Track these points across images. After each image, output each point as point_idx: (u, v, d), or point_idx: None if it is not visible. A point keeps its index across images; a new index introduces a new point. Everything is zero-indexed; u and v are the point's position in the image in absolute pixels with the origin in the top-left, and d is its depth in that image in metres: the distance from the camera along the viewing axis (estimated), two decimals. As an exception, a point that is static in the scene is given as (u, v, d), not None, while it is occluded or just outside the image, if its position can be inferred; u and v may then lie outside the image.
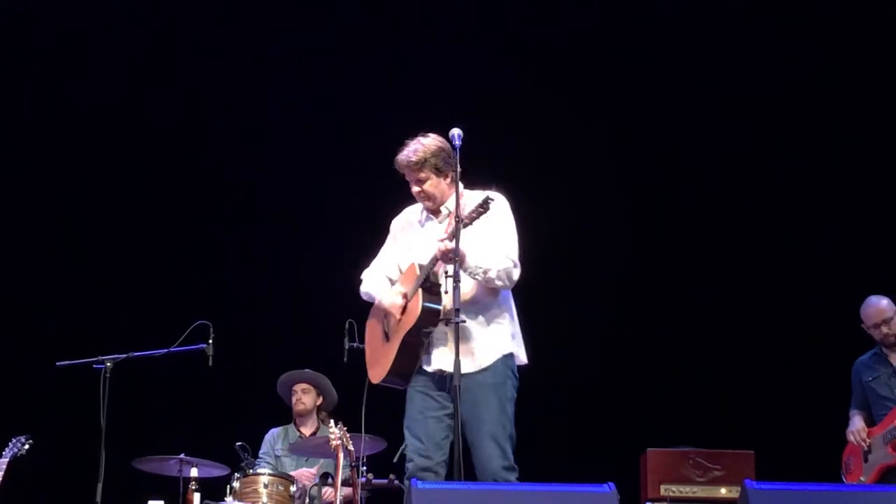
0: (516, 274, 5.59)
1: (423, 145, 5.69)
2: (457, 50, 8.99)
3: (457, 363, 5.29)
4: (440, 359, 5.58)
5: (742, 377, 8.90)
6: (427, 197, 5.73)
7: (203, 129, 9.10)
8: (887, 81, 8.88)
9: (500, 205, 5.65)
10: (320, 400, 7.88)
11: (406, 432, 5.67)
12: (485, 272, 5.49)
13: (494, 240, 5.55)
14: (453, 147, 5.54)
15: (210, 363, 6.83)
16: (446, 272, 5.46)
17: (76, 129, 9.07)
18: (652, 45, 9.08)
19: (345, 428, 6.63)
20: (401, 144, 5.75)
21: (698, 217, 9.10)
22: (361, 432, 6.34)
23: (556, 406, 8.44)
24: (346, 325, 7.01)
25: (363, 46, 9.13)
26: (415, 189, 5.73)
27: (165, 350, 6.84)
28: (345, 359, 7.02)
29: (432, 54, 9.00)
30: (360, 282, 5.92)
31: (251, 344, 8.70)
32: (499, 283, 5.56)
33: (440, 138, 5.71)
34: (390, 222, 6.00)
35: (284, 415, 7.95)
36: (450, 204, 5.65)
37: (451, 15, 9.11)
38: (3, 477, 6.82)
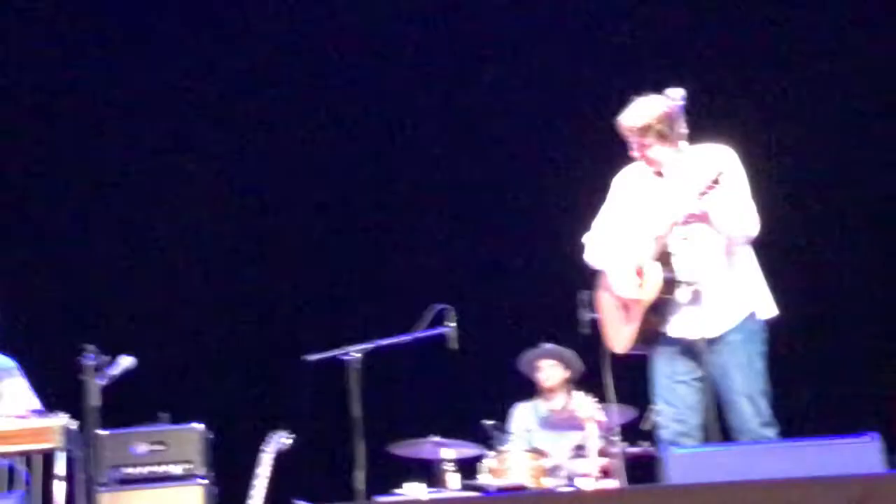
0: (757, 227, 5.49)
1: (647, 110, 5.53)
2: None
3: (699, 325, 5.24)
4: (682, 326, 5.52)
5: None
6: (648, 162, 5.63)
7: (457, 117, 9.23)
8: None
9: (732, 158, 5.53)
10: (567, 373, 7.88)
11: (657, 399, 5.63)
12: (730, 228, 5.39)
13: (733, 194, 5.42)
14: (678, 108, 5.44)
15: (453, 345, 6.93)
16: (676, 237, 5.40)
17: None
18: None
19: (594, 398, 6.62)
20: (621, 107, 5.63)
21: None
22: (609, 403, 6.33)
23: (801, 356, 8.22)
24: (582, 296, 7.00)
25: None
26: (635, 154, 5.64)
27: (410, 336, 6.96)
28: (585, 330, 7.01)
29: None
30: (582, 246, 5.87)
31: (490, 322, 8.76)
32: (742, 237, 5.47)
33: (667, 102, 5.52)
34: (611, 181, 5.88)
35: (531, 389, 8.00)
36: (674, 166, 5.54)
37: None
38: (269, 470, 7.09)
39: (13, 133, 9.24)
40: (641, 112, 5.54)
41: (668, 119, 5.51)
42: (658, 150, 5.56)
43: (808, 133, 8.53)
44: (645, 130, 5.53)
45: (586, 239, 5.86)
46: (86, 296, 8.96)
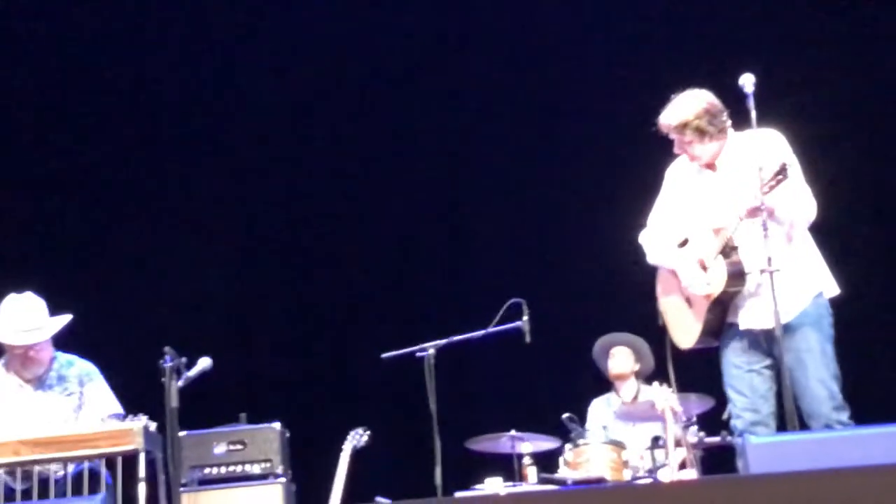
0: (815, 210, 5.44)
1: (686, 106, 5.46)
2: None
3: (770, 314, 5.18)
4: (750, 317, 5.47)
5: None
6: (692, 157, 5.56)
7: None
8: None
9: (783, 143, 5.46)
10: (637, 365, 7.86)
11: (728, 390, 5.58)
12: (792, 218, 5.35)
13: (795, 182, 5.34)
14: (744, 95, 5.35)
15: (527, 339, 6.91)
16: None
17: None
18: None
19: (669, 388, 6.58)
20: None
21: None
22: (672, 392, 6.29)
23: (873, 337, 8.12)
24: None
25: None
26: (677, 149, 5.59)
27: (483, 331, 6.96)
28: (660, 322, 6.96)
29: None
30: (639, 245, 5.82)
31: (564, 315, 8.74)
32: (805, 223, 5.42)
33: (708, 96, 5.48)
34: (664, 173, 5.82)
35: (605, 383, 7.95)
36: (724, 157, 5.50)
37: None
38: (348, 468, 7.13)
39: (86, 143, 9.39)
40: (679, 109, 5.48)
41: (708, 114, 5.44)
42: (699, 147, 5.49)
43: (878, 112, 8.44)
44: (683, 127, 5.46)
45: (643, 239, 5.80)
46: (163, 298, 9.06)
